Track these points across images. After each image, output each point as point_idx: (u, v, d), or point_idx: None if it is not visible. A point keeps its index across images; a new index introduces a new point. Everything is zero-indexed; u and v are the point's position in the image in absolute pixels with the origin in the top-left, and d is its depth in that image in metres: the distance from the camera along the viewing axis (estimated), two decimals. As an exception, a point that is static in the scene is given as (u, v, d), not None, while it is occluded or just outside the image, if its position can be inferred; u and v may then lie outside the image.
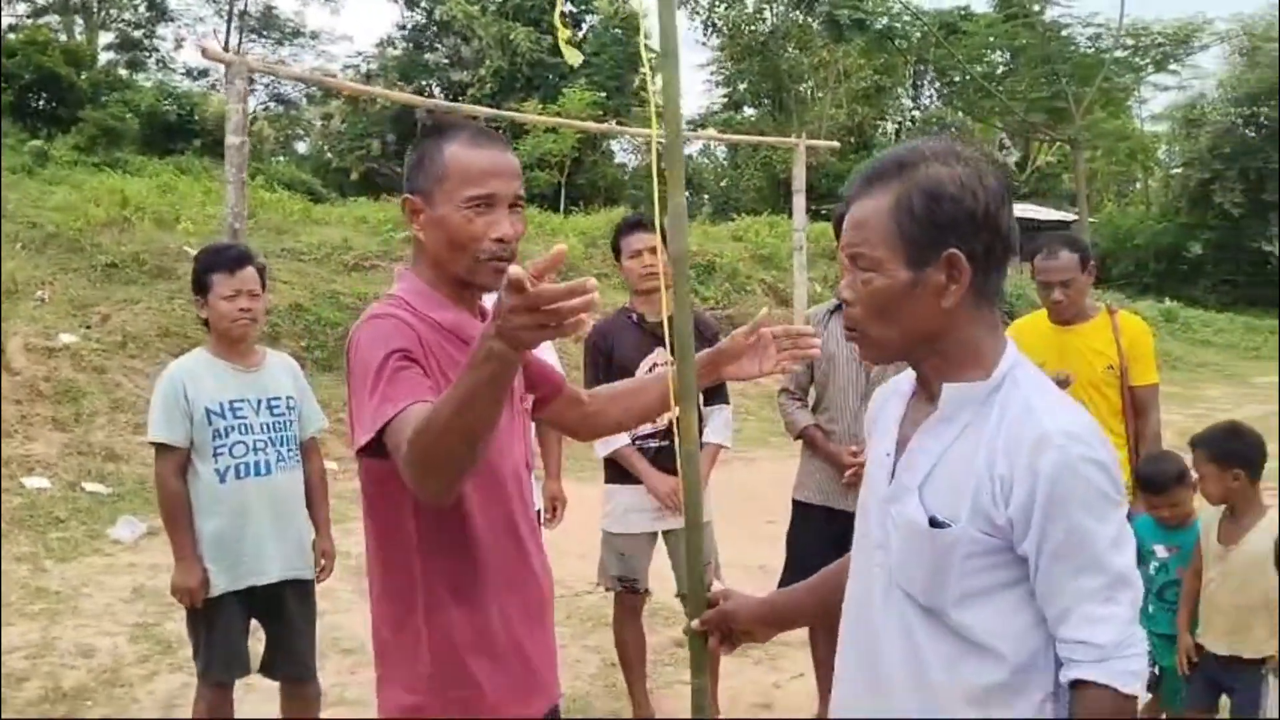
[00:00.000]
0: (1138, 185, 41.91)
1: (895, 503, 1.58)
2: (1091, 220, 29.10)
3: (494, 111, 12.12)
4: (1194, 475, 3.50)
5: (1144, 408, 4.00)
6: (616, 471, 4.07)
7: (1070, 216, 28.21)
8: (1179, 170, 35.44)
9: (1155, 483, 3.59)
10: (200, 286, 3.48)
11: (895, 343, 1.58)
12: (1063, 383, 3.64)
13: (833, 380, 3.94)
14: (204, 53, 8.10)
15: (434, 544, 1.85)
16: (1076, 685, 1.46)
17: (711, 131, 23.32)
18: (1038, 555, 1.46)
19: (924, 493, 1.54)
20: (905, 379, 1.71)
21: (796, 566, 3.70)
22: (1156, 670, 3.55)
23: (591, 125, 14.56)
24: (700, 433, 3.92)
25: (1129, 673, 1.46)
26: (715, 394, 4.07)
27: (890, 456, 1.61)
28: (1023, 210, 32.69)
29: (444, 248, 1.91)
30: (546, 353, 3.65)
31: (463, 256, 1.89)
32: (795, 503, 4.09)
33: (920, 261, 1.50)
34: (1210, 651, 3.40)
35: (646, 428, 3.96)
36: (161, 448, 3.41)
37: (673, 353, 2.02)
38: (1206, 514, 3.51)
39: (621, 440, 3.99)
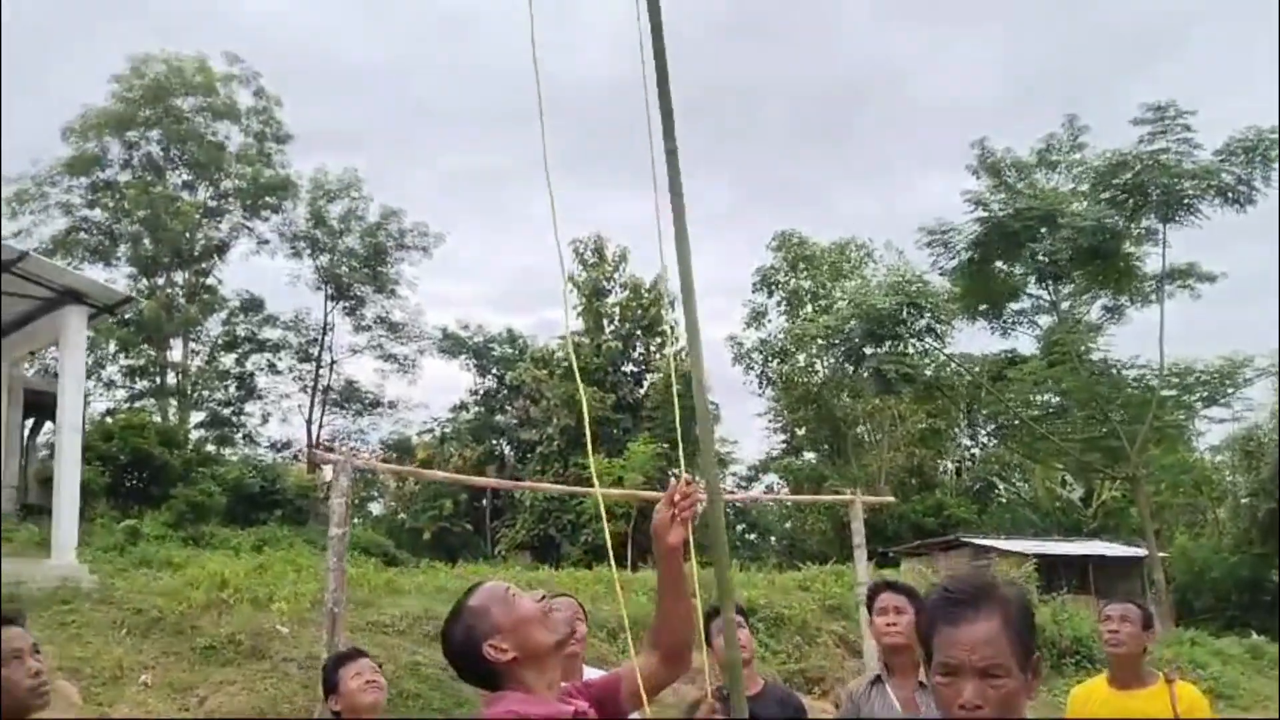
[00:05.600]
0: (1207, 515, 41.50)
1: None
2: (1163, 555, 28.73)
3: (549, 486, 12.83)
4: None
5: None
6: None
7: (1140, 552, 27.91)
8: (1246, 500, 35.23)
9: None
10: (330, 686, 4.01)
11: None
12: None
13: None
14: (313, 456, 8.91)
15: None
16: None
17: (767, 492, 23.87)
18: None
19: None
20: None
21: None
22: None
23: (618, 491, 15.38)
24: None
25: None
26: None
27: None
28: (1092, 548, 32.38)
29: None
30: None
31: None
32: None
33: (1024, 666, 1.95)
34: None
35: None
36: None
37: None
38: None
39: None
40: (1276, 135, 22.22)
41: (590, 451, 3.15)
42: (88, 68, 50.62)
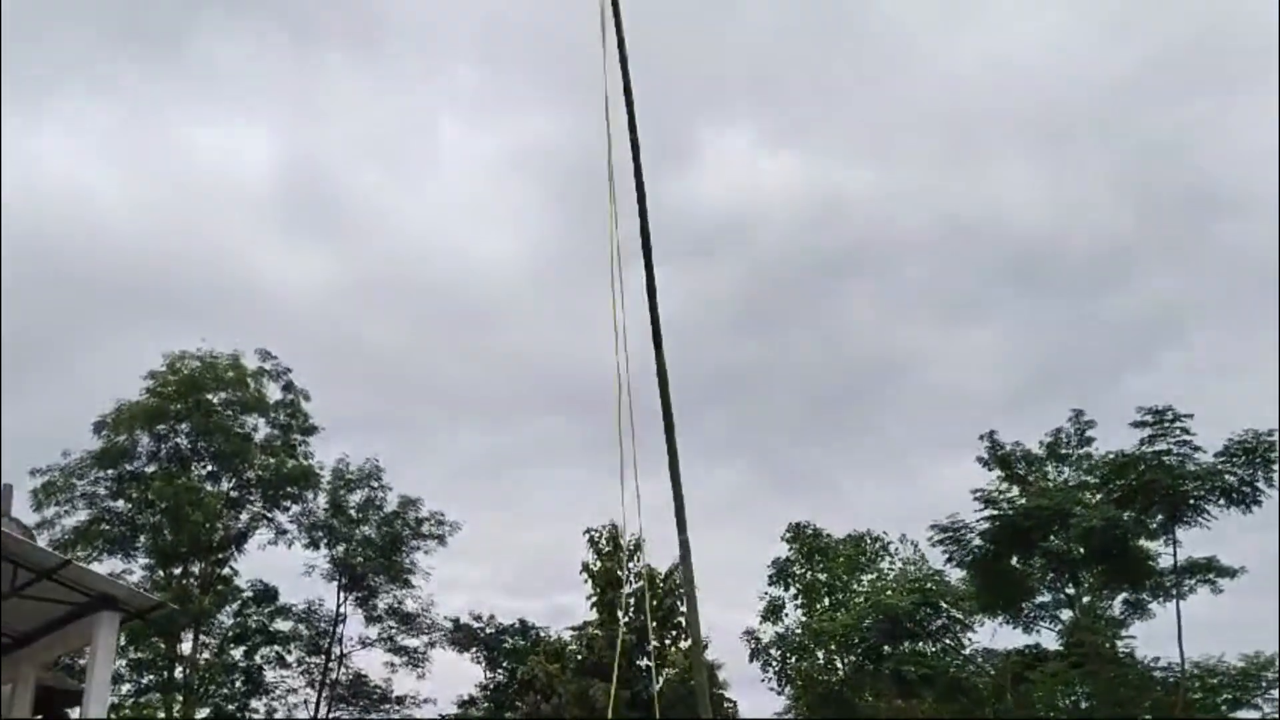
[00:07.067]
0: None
1: None
2: None
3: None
4: None
5: None
6: None
7: None
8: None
9: None
10: None
11: None
12: None
13: None
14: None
15: None
16: None
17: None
18: None
19: None
20: None
21: None
22: None
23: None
24: None
25: None
26: None
27: None
28: None
29: None
30: None
31: None
32: None
33: None
34: None
35: None
36: None
37: None
38: None
39: None
40: (1275, 437, 22.82)
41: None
42: (124, 362, 52.59)
